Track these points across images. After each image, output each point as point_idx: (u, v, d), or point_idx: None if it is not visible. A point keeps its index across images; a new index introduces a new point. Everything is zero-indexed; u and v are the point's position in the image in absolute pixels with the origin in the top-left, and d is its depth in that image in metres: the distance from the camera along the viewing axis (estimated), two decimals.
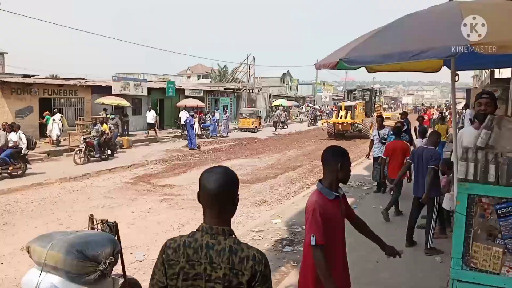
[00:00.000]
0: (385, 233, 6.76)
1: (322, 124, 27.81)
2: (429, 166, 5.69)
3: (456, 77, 3.38)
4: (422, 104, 56.33)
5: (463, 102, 24.51)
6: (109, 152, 16.09)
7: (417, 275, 5.25)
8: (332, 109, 43.91)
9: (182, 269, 1.78)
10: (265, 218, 7.98)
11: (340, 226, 2.81)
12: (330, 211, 2.70)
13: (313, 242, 2.59)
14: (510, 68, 12.42)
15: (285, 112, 36.59)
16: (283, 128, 33.01)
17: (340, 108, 25.54)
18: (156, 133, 23.88)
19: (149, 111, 23.94)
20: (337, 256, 2.78)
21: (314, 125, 36.17)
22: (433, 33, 2.72)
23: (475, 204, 2.92)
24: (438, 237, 6.32)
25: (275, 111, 36.08)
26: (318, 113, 40.99)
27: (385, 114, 32.37)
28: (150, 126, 23.78)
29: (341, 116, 24.59)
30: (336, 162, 2.71)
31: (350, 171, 2.79)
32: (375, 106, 30.73)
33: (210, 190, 1.79)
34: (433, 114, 29.41)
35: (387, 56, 2.69)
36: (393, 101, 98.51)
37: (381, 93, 45.47)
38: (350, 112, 24.54)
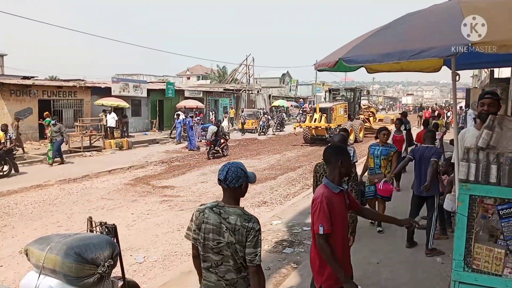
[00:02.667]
0: (386, 233, 6.75)
1: (295, 128, 24.75)
2: (431, 159, 5.68)
3: (457, 76, 3.36)
4: (435, 104, 55.34)
5: (463, 102, 24.40)
6: (6, 167, 12.46)
7: (418, 276, 5.22)
8: (302, 111, 38.81)
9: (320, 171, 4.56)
10: (265, 219, 7.95)
11: (344, 217, 3.08)
12: (336, 203, 2.95)
13: (321, 231, 2.86)
14: (510, 68, 12.43)
15: (266, 116, 30.19)
16: (261, 134, 27.70)
17: (315, 110, 22.62)
18: (113, 137, 20.45)
19: (109, 113, 20.95)
20: (340, 242, 3.01)
21: (281, 131, 30.10)
22: (434, 32, 2.70)
23: (476, 205, 2.90)
24: (438, 237, 6.30)
25: (242, 112, 30.88)
26: (285, 117, 34.53)
27: (377, 116, 29.23)
28: (111, 130, 20.72)
29: (315, 119, 21.62)
30: (337, 160, 3.02)
31: (352, 166, 3.30)
32: (364, 107, 27.65)
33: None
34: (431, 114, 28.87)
35: (387, 55, 2.67)
36: (391, 101, 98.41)
37: (369, 93, 38.56)
38: (325, 115, 21.44)
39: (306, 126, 22.20)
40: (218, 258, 2.62)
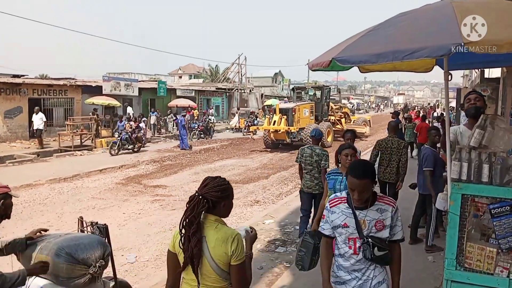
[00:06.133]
0: None
1: (253, 132, 22.56)
2: (423, 169, 5.74)
3: (449, 76, 3.38)
4: (430, 104, 55.18)
5: (454, 102, 24.36)
6: None
7: (409, 275, 5.23)
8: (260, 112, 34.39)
9: (382, 144, 7.02)
10: (257, 219, 7.95)
11: None
12: None
13: None
14: (500, 68, 12.55)
15: (206, 116, 25.51)
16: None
17: (274, 111, 19.97)
18: (42, 144, 17.80)
19: (36, 114, 18.02)
20: None
21: (205, 138, 24.47)
22: (427, 32, 2.70)
23: (468, 204, 2.91)
24: None
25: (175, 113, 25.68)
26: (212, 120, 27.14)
27: (351, 117, 26.33)
28: (37, 133, 17.87)
29: (274, 121, 19.07)
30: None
31: None
32: (335, 107, 24.79)
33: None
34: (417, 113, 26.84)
35: (381, 56, 2.67)
36: (385, 101, 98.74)
37: (339, 92, 33.90)
38: (286, 116, 19.03)
39: (265, 129, 19.82)
40: (311, 167, 6.08)
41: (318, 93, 22.57)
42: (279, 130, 18.82)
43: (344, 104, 32.18)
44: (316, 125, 19.35)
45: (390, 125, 7.40)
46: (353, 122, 25.14)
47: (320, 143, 6.38)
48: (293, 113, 19.18)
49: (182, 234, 2.28)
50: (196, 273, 2.26)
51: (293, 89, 24.07)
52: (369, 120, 26.42)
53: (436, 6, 2.97)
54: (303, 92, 23.23)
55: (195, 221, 2.23)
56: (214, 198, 2.29)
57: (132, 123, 18.59)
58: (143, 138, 19.25)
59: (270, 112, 22.75)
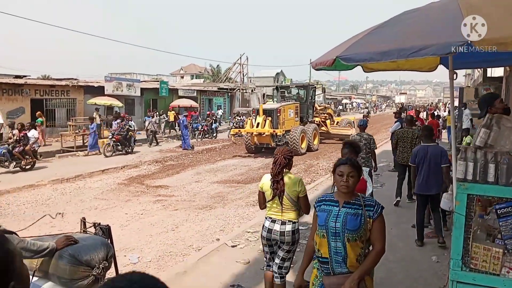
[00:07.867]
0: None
1: (233, 135, 20.29)
2: (442, 166, 5.65)
3: (454, 75, 3.35)
4: (433, 104, 54.99)
5: (456, 101, 24.19)
6: None
7: (413, 275, 5.22)
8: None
9: (399, 134, 9.10)
10: (260, 219, 7.90)
11: None
12: None
13: None
14: (502, 67, 12.50)
15: (126, 122, 18.30)
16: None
17: (257, 112, 17.82)
18: None
19: None
20: None
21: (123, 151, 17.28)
22: (433, 29, 2.68)
23: (474, 204, 2.89)
24: (433, 236, 6.32)
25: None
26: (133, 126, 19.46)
27: (335, 119, 24.27)
28: None
29: (258, 123, 17.11)
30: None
31: None
32: (319, 108, 22.83)
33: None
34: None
35: (386, 54, 2.64)
36: (389, 100, 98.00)
37: (324, 91, 31.26)
38: (270, 118, 17.06)
39: (247, 132, 17.76)
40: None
41: (302, 92, 20.53)
42: (263, 133, 16.79)
43: (328, 104, 29.95)
44: (302, 127, 18.11)
45: (407, 119, 9.54)
46: (337, 123, 23.31)
47: (365, 130, 8.23)
48: (278, 114, 17.25)
49: (272, 180, 3.98)
50: (281, 203, 3.96)
51: (276, 87, 21.81)
52: (354, 121, 23.76)
53: (442, 3, 2.94)
54: (286, 92, 20.85)
55: (281, 172, 3.93)
56: (289, 156, 4.04)
57: (15, 131, 13.27)
58: (35, 149, 13.79)
59: (252, 113, 20.35)
